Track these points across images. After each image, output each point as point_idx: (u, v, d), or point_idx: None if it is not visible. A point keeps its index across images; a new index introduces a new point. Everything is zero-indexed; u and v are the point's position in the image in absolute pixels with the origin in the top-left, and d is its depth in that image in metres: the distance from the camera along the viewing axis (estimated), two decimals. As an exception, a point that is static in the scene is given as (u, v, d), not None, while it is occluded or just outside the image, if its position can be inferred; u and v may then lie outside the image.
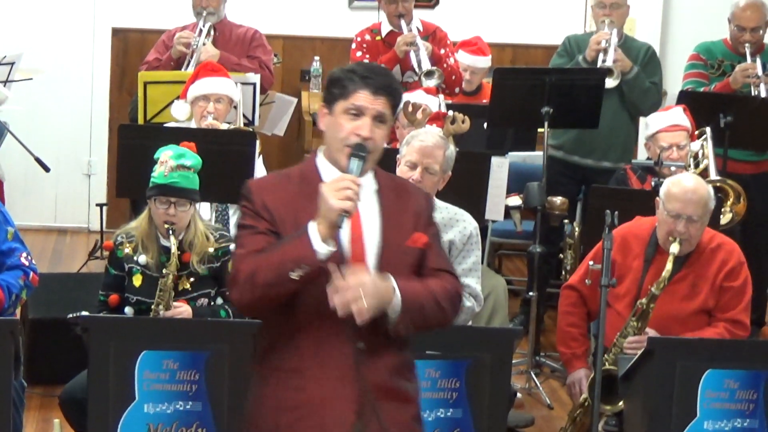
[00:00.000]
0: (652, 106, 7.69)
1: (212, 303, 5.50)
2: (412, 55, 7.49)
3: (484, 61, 8.04)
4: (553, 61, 7.84)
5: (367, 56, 7.62)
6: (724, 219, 6.32)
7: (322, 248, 3.64)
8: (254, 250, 3.70)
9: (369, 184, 3.87)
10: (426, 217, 4.00)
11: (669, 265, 5.46)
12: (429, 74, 7.45)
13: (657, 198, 5.63)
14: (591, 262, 5.68)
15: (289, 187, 3.82)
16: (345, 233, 3.78)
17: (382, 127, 3.80)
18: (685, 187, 5.52)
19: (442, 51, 7.63)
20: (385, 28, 7.71)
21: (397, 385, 3.88)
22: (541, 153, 7.29)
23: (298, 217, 3.72)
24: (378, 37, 7.71)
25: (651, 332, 5.42)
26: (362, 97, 3.76)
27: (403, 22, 7.59)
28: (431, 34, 7.66)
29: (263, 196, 3.78)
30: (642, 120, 7.46)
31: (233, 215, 6.54)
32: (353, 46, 7.76)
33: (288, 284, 3.66)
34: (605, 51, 7.49)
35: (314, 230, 3.64)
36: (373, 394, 3.80)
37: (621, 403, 5.32)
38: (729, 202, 6.45)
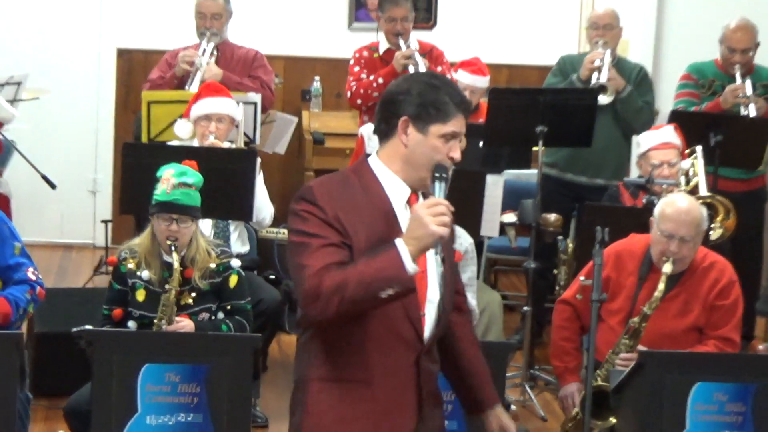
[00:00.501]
0: (645, 125, 7.68)
1: (213, 317, 5.52)
2: (411, 69, 7.51)
3: (483, 81, 8.07)
4: (548, 80, 7.87)
5: (365, 71, 7.66)
6: (715, 234, 6.32)
7: (413, 270, 3.56)
8: (331, 264, 3.58)
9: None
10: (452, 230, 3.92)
11: (661, 285, 5.47)
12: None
13: (651, 218, 5.66)
14: (582, 278, 5.72)
15: (355, 197, 3.70)
16: None
17: None
18: (679, 208, 5.53)
19: (439, 69, 7.67)
20: (383, 46, 7.75)
21: (439, 392, 3.93)
22: (535, 171, 7.30)
23: (370, 233, 3.65)
24: (375, 54, 7.75)
25: (642, 349, 5.43)
26: (459, 123, 3.71)
27: (401, 41, 7.63)
28: (428, 53, 7.70)
29: (334, 206, 3.65)
30: (634, 138, 7.48)
31: (234, 231, 6.57)
32: (351, 61, 7.80)
33: (375, 302, 3.60)
34: (599, 70, 7.53)
35: (405, 251, 3.56)
36: (427, 401, 3.82)
37: (611, 419, 5.32)
38: (719, 218, 6.42)
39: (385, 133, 3.74)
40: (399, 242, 3.57)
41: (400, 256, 3.55)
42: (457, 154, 3.71)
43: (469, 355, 4.07)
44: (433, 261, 3.72)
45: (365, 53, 7.77)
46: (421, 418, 3.80)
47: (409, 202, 3.75)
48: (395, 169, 3.74)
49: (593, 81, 7.53)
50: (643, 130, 7.70)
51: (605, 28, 7.70)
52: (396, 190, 3.73)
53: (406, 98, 3.70)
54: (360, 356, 3.70)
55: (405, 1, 7.70)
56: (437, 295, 3.79)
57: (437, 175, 3.72)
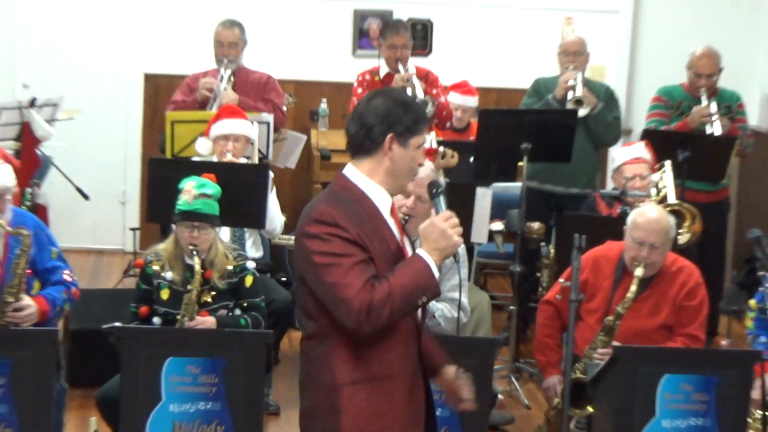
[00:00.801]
0: (615, 137, 7.87)
1: (231, 313, 5.52)
2: (409, 91, 7.51)
3: (473, 101, 8.09)
4: (524, 100, 7.88)
5: (367, 92, 7.66)
6: (683, 239, 6.33)
7: (438, 276, 3.63)
8: (369, 279, 3.57)
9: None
10: None
11: (633, 287, 5.50)
12: (423, 103, 7.49)
13: (624, 226, 5.66)
14: (562, 280, 5.73)
15: (358, 212, 3.67)
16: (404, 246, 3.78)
17: None
18: (649, 217, 5.55)
19: (434, 91, 7.67)
20: (384, 70, 7.74)
21: None
22: (520, 183, 7.31)
23: (378, 241, 3.64)
24: (377, 77, 7.74)
25: (617, 345, 5.42)
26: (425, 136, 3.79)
27: (400, 66, 7.62)
28: (424, 77, 7.69)
29: (353, 224, 3.62)
30: (610, 153, 7.48)
31: (249, 238, 6.57)
32: (355, 83, 7.79)
33: (414, 309, 3.67)
34: (574, 89, 7.55)
35: (431, 261, 3.62)
36: (424, 379, 3.86)
37: (589, 407, 5.32)
38: (686, 224, 6.44)
39: (367, 149, 3.71)
40: (424, 254, 3.62)
41: (430, 267, 3.60)
42: (424, 160, 3.80)
43: None
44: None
45: (368, 76, 7.78)
46: (429, 398, 3.84)
47: (391, 210, 3.76)
48: (378, 180, 3.72)
49: (569, 98, 7.54)
50: (615, 141, 7.78)
51: (575, 54, 7.73)
52: (380, 198, 3.72)
53: (389, 118, 3.68)
54: (383, 355, 3.69)
55: (404, 31, 7.72)
56: None
57: (435, 191, 3.77)
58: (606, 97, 7.76)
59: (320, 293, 3.63)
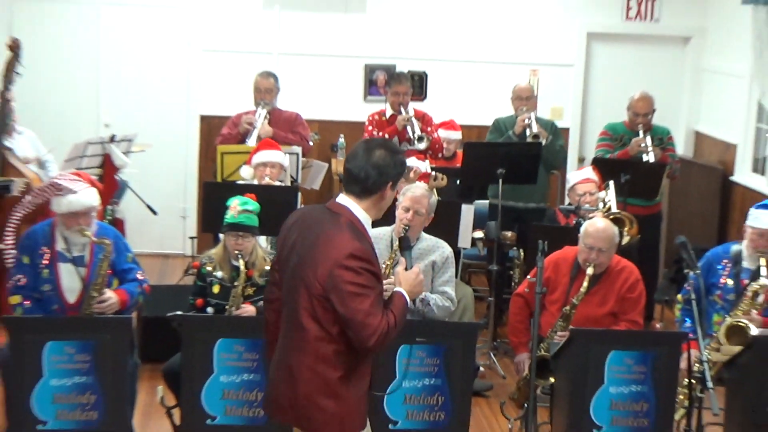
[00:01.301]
0: (563, 161, 8.01)
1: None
2: (408, 129, 7.52)
3: (456, 134, 8.08)
4: (488, 136, 7.84)
5: (376, 129, 7.65)
6: (624, 241, 6.30)
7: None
8: (384, 311, 3.63)
9: None
10: None
11: (586, 283, 5.50)
12: (420, 139, 7.50)
13: (579, 234, 5.65)
14: (529, 277, 5.71)
15: (372, 248, 3.70)
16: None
17: None
18: (598, 227, 5.55)
19: (429, 129, 7.66)
20: (389, 112, 7.71)
21: None
22: (487, 201, 7.33)
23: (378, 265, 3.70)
24: (383, 117, 7.72)
25: (573, 328, 5.40)
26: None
27: (402, 108, 7.63)
28: (421, 117, 7.68)
29: (377, 262, 3.66)
30: (568, 176, 7.45)
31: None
32: (366, 122, 7.77)
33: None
34: (530, 126, 7.52)
35: (408, 299, 3.73)
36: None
37: (551, 378, 5.30)
38: (626, 229, 6.43)
39: (370, 191, 3.70)
40: (404, 293, 3.73)
41: (407, 302, 3.72)
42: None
43: None
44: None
45: (376, 116, 7.77)
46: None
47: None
48: (370, 213, 3.73)
49: (527, 134, 7.50)
50: (562, 165, 7.77)
51: (527, 99, 7.72)
52: (366, 223, 3.72)
53: (390, 169, 3.70)
54: (363, 358, 3.75)
55: (406, 81, 7.71)
56: None
57: (405, 245, 3.94)
58: (552, 130, 7.73)
59: (344, 314, 3.60)
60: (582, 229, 5.62)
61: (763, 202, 5.71)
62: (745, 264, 5.64)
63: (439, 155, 7.73)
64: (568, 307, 5.53)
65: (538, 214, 7.36)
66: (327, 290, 3.61)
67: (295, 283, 3.71)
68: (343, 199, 3.74)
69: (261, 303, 5.40)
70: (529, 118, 7.56)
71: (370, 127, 7.68)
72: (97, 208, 5.35)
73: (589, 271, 5.51)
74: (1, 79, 6.98)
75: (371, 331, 3.56)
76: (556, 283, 5.69)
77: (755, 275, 5.53)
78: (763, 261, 5.49)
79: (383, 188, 3.71)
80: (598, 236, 5.51)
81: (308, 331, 3.69)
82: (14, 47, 7.02)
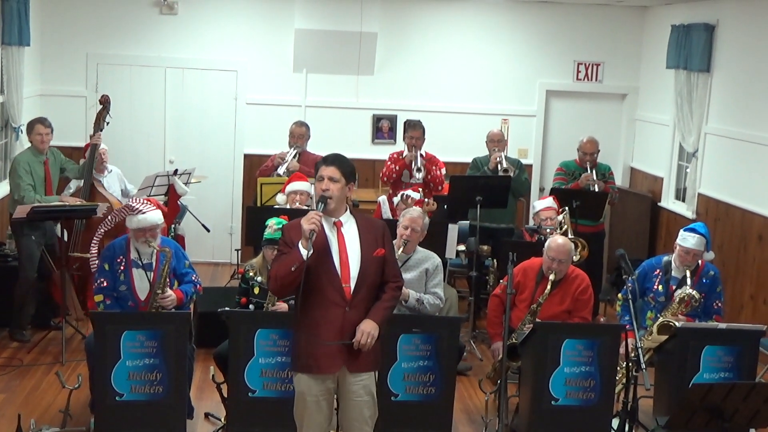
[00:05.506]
0: (527, 191, 7.89)
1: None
2: (412, 163, 7.44)
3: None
4: (468, 171, 7.81)
5: (394, 164, 7.56)
6: (576, 258, 6.32)
7: (305, 253, 3.77)
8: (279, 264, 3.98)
9: (351, 221, 3.99)
10: (383, 238, 4.02)
11: (548, 287, 5.49)
12: (418, 170, 7.46)
13: (543, 248, 5.63)
14: (502, 281, 5.68)
15: None
16: (335, 249, 3.87)
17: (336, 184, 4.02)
18: (558, 243, 5.54)
19: (434, 167, 7.58)
20: (405, 151, 7.63)
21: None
22: (468, 222, 7.31)
23: None
24: (401, 157, 7.62)
25: (537, 321, 5.37)
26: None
27: (414, 149, 7.56)
28: (430, 159, 7.60)
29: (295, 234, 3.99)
30: (532, 204, 7.43)
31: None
32: (387, 158, 7.67)
33: (291, 276, 3.78)
34: (501, 163, 7.51)
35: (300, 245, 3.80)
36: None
37: (519, 361, 5.28)
38: (578, 250, 6.46)
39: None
40: (300, 247, 3.89)
41: (298, 248, 3.87)
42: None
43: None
44: (355, 256, 3.96)
45: (395, 154, 7.68)
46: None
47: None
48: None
49: (499, 169, 7.49)
50: (527, 193, 7.70)
51: (498, 141, 7.68)
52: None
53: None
54: (307, 307, 3.91)
55: (418, 127, 7.61)
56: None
57: (321, 201, 4.04)
58: (519, 166, 7.71)
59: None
60: (546, 244, 5.61)
61: (690, 226, 5.71)
62: (674, 273, 5.66)
63: (440, 187, 7.68)
64: (534, 306, 5.51)
65: (508, 232, 7.33)
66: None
67: None
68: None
69: (291, 301, 5.41)
70: (501, 157, 7.55)
71: (389, 163, 7.63)
72: (162, 226, 5.34)
73: (551, 277, 5.50)
74: (93, 126, 7.03)
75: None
76: (524, 286, 5.66)
77: (681, 283, 5.55)
78: (687, 273, 5.51)
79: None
80: (559, 250, 5.50)
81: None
82: (104, 102, 7.08)
